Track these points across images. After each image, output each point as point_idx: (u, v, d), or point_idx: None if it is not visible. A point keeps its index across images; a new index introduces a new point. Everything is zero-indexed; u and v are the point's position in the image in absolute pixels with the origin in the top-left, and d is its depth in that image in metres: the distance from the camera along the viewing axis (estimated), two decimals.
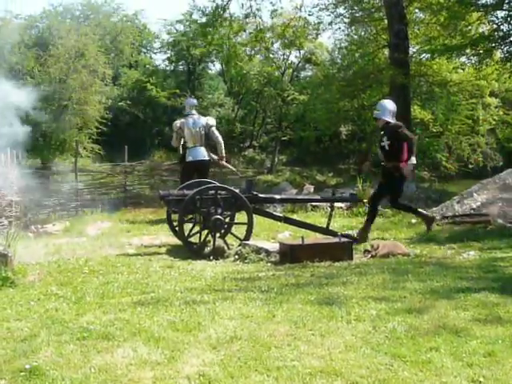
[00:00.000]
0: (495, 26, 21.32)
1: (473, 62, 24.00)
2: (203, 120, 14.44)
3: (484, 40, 20.75)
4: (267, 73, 34.56)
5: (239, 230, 10.37)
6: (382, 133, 11.13)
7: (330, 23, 25.59)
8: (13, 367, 4.62)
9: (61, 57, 29.74)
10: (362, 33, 29.05)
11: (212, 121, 14.63)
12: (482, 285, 6.97)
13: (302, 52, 35.57)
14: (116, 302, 6.46)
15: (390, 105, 11.29)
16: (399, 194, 11.19)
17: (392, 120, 11.05)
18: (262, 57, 34.35)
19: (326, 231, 10.67)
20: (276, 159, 33.26)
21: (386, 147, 10.90)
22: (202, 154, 14.28)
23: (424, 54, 25.90)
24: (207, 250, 9.72)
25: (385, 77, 22.92)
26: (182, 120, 14.55)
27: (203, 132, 14.26)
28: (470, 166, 33.76)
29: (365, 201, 13.60)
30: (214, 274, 8.16)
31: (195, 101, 15.44)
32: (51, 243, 10.75)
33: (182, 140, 14.47)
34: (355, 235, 10.74)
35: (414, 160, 11.29)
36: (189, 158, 14.28)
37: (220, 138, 14.49)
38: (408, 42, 22.80)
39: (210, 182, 11.10)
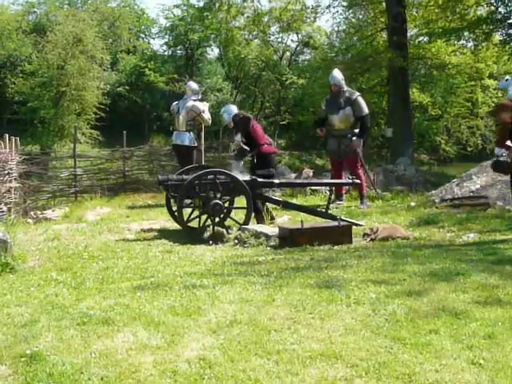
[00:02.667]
0: (493, 8, 21.27)
1: (471, 44, 23.99)
2: (189, 104, 14.38)
3: (482, 22, 20.73)
4: (265, 57, 34.53)
5: (238, 215, 10.38)
6: None
7: (328, 6, 25.55)
8: (13, 353, 4.63)
9: (58, 43, 29.71)
10: (360, 16, 29.03)
11: (197, 107, 14.49)
12: (482, 267, 6.97)
13: (300, 36, 35.54)
14: (116, 287, 6.46)
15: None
16: None
17: None
18: (259, 41, 34.28)
19: (325, 215, 10.66)
20: (275, 143, 33.24)
21: None
22: (180, 138, 14.32)
23: (422, 37, 25.87)
24: (206, 234, 9.71)
25: (383, 60, 22.88)
26: (174, 103, 14.73)
27: (186, 116, 14.26)
28: (469, 149, 33.79)
29: (365, 185, 13.61)
30: (214, 258, 8.16)
31: (191, 84, 15.33)
32: (51, 229, 10.73)
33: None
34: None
35: None
36: (172, 142, 14.74)
37: (206, 123, 14.64)
38: (406, 24, 22.78)
39: (209, 167, 11.08)
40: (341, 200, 13.30)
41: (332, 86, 13.51)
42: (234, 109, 12.10)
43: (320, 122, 14.14)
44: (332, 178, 13.41)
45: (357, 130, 13.26)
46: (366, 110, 13.32)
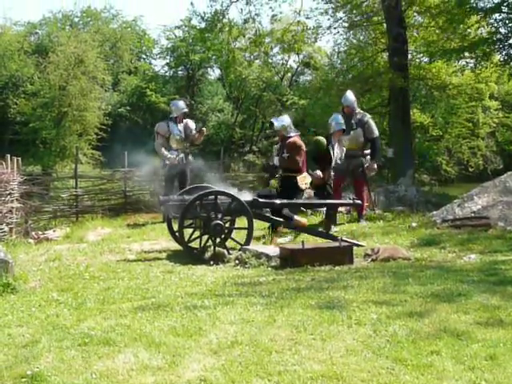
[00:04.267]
0: (494, 28, 21.35)
1: (471, 64, 24.05)
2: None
3: (483, 43, 20.79)
4: (266, 77, 34.64)
5: (239, 235, 10.37)
6: None
7: (329, 27, 25.59)
8: (14, 373, 4.62)
9: (60, 64, 29.83)
10: (361, 37, 29.13)
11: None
12: (483, 288, 6.96)
13: (301, 56, 35.67)
14: (117, 308, 6.46)
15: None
16: None
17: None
18: (261, 62, 34.40)
19: (326, 235, 10.65)
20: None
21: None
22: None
23: (423, 58, 25.96)
24: (207, 254, 9.71)
25: (384, 81, 22.95)
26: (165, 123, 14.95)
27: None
28: (471, 169, 33.80)
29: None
30: (215, 278, 8.15)
31: (176, 102, 15.40)
32: (52, 249, 10.74)
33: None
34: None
35: None
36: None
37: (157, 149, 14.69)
38: (407, 45, 22.85)
39: (210, 187, 11.08)
40: (362, 219, 13.28)
41: (345, 107, 13.66)
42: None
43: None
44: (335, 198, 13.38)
45: (366, 152, 13.40)
46: (376, 131, 13.53)
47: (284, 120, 12.34)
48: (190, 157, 14.75)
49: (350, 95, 13.79)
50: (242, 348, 5.09)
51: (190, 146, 14.78)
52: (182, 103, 14.94)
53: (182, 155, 14.40)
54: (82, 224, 14.54)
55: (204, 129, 15.20)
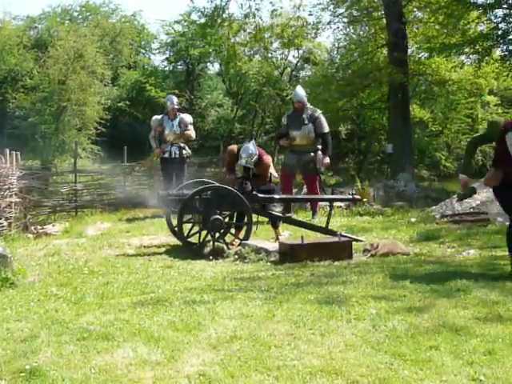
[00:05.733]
0: (494, 24, 21.33)
1: (472, 60, 24.01)
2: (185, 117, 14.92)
3: (483, 38, 20.76)
4: (266, 72, 34.57)
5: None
6: None
7: (329, 23, 25.58)
8: (13, 368, 4.62)
9: (60, 58, 29.76)
10: (361, 32, 29.08)
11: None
12: (482, 283, 6.97)
13: (301, 51, 35.61)
14: (116, 303, 6.46)
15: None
16: None
17: None
18: (260, 57, 34.35)
19: (325, 230, 10.64)
20: (275, 159, 33.26)
21: None
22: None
23: (423, 53, 25.93)
24: (206, 249, 9.71)
25: (384, 76, 22.91)
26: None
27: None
28: None
29: (365, 200, 13.63)
30: (214, 273, 8.15)
31: (169, 97, 15.39)
32: (51, 244, 10.73)
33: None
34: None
35: None
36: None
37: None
38: (407, 41, 22.83)
39: (210, 182, 11.07)
40: (316, 215, 13.28)
41: (296, 102, 13.73)
42: None
43: (280, 137, 14.37)
44: (284, 193, 13.22)
45: (318, 147, 13.43)
46: (327, 127, 13.54)
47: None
48: (185, 151, 14.60)
49: (300, 90, 13.86)
50: (241, 343, 5.09)
51: (184, 141, 14.70)
52: (173, 100, 14.87)
53: (174, 149, 14.36)
54: (82, 219, 14.53)
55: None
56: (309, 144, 13.41)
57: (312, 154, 13.37)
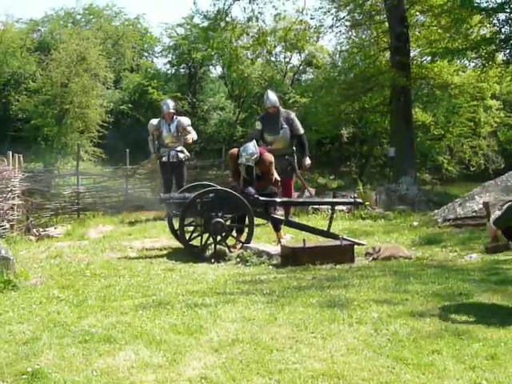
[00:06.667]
0: (497, 28, 21.32)
1: (474, 64, 24.01)
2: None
3: (486, 43, 20.75)
4: (268, 76, 34.58)
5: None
6: None
7: (331, 26, 25.56)
8: (15, 370, 4.63)
9: (62, 61, 29.77)
10: (363, 36, 29.05)
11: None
12: (484, 287, 6.97)
13: (303, 55, 35.62)
14: (118, 305, 6.46)
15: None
16: None
17: None
18: (263, 60, 34.35)
19: (327, 234, 10.64)
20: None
21: None
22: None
23: (425, 57, 25.92)
24: (208, 252, 9.71)
25: (386, 80, 22.89)
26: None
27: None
28: (472, 169, 33.80)
29: (367, 203, 13.62)
30: (216, 276, 8.15)
31: (165, 102, 15.39)
32: (53, 246, 10.74)
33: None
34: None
35: None
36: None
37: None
38: (409, 44, 22.80)
39: (210, 185, 11.07)
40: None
41: (269, 107, 13.45)
42: None
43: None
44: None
45: (293, 149, 13.37)
46: (302, 128, 13.47)
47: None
48: (183, 154, 14.54)
49: (272, 95, 13.58)
50: (243, 346, 5.09)
51: (183, 144, 14.66)
52: (169, 104, 14.80)
53: (172, 153, 14.32)
54: (84, 221, 14.53)
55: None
56: (285, 147, 13.26)
57: (287, 157, 13.25)
